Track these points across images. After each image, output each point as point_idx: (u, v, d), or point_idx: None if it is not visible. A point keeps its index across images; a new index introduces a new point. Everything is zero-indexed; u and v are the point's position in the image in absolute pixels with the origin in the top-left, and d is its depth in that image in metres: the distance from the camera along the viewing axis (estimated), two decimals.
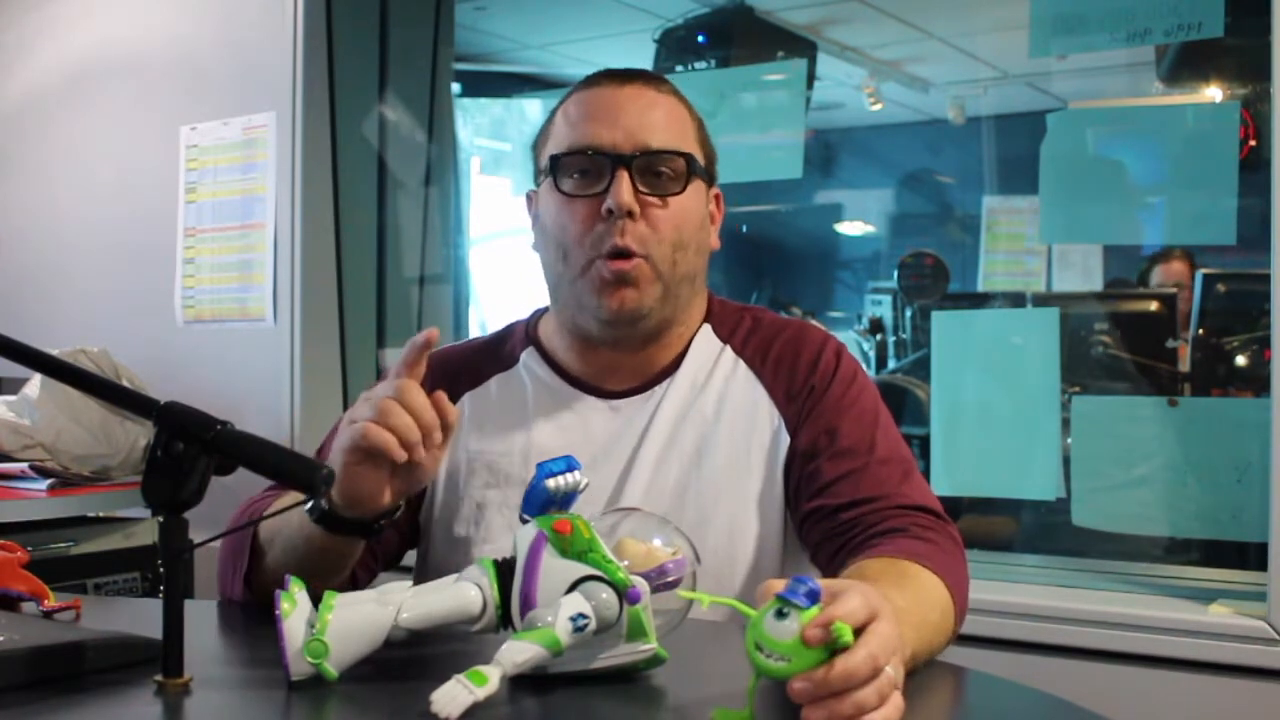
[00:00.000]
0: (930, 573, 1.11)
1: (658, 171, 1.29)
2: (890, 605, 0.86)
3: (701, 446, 1.32)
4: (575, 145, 1.30)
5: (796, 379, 1.33)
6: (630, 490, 1.30)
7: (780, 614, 0.81)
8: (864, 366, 1.41)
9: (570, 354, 1.38)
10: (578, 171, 1.30)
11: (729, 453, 1.31)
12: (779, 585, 0.82)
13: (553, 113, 1.37)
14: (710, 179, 1.38)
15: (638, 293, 1.28)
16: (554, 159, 1.31)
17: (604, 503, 1.29)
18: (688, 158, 1.30)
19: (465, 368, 1.41)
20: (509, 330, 1.46)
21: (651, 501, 1.27)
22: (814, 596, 0.81)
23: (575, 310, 1.33)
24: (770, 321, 1.40)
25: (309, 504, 1.13)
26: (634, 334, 1.32)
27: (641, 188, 1.27)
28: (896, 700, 0.82)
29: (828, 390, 1.32)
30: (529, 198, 1.39)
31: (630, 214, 1.26)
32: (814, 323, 1.50)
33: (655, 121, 1.30)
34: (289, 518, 1.17)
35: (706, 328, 1.39)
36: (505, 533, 1.30)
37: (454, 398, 1.38)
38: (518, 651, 0.86)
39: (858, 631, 0.80)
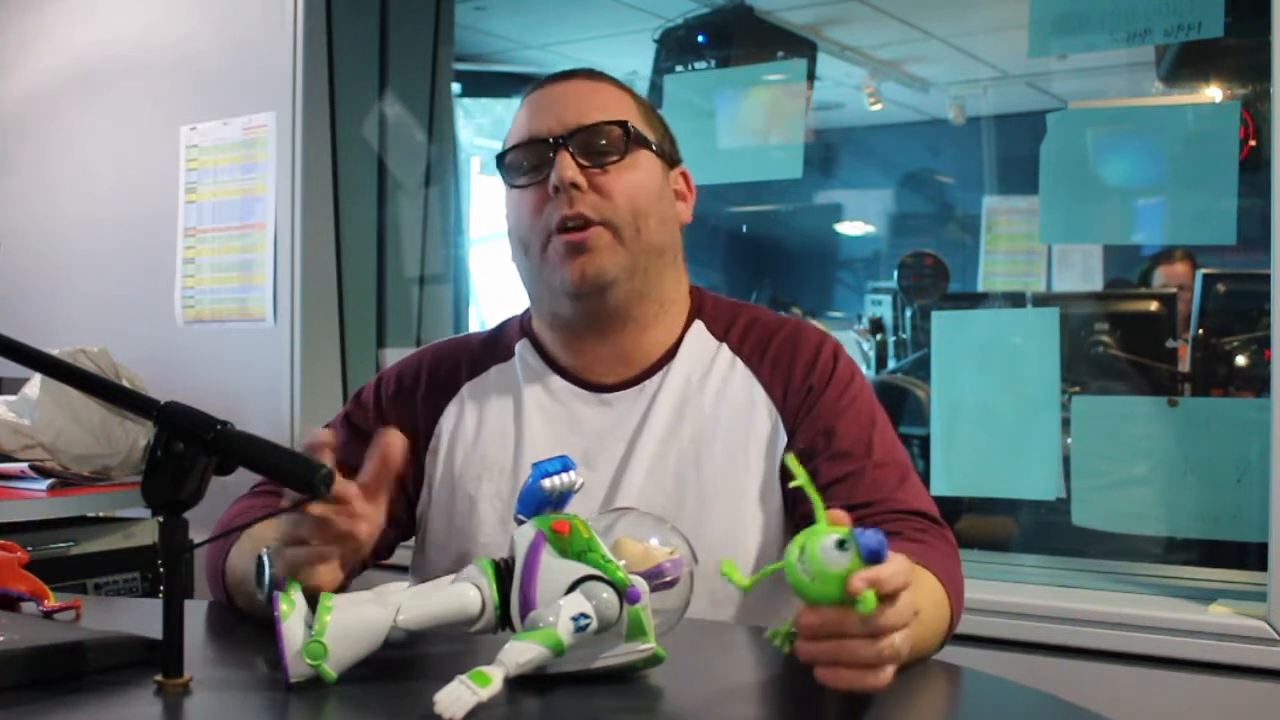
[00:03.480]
0: (928, 572, 1.11)
1: (597, 145, 1.31)
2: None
3: (699, 443, 1.32)
4: (517, 139, 1.34)
5: (794, 378, 1.33)
6: (628, 484, 1.29)
7: (841, 545, 0.85)
8: (862, 367, 1.41)
9: (558, 347, 1.39)
10: (523, 164, 1.33)
11: (727, 450, 1.31)
12: (844, 519, 0.87)
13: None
14: (670, 159, 1.39)
15: (598, 259, 1.29)
16: (500, 159, 1.35)
17: (601, 496, 1.29)
18: (623, 125, 1.32)
19: (466, 360, 1.42)
20: (506, 324, 1.47)
21: (649, 496, 1.27)
22: (875, 557, 0.84)
23: (548, 297, 1.35)
24: (766, 320, 1.40)
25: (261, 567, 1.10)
26: (604, 307, 1.32)
27: (582, 160, 1.30)
28: (888, 673, 0.87)
29: (825, 391, 1.32)
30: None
31: (577, 186, 1.28)
32: (813, 322, 1.50)
33: (591, 103, 1.34)
34: (248, 578, 1.15)
35: (699, 324, 1.39)
36: (497, 526, 1.31)
37: (454, 390, 1.40)
38: (520, 652, 0.86)
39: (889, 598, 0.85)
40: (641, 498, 1.27)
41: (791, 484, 0.90)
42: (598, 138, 1.31)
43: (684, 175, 1.42)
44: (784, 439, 1.31)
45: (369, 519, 1.06)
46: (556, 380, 1.37)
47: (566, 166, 1.28)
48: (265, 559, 1.06)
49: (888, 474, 1.27)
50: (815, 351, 1.35)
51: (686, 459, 1.31)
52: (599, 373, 1.36)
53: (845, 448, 1.28)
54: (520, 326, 1.44)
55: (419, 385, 1.41)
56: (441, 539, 1.36)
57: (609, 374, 1.36)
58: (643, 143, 1.34)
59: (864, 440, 1.29)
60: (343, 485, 1.01)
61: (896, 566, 0.86)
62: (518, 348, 1.41)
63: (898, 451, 1.31)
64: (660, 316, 1.37)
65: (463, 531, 1.33)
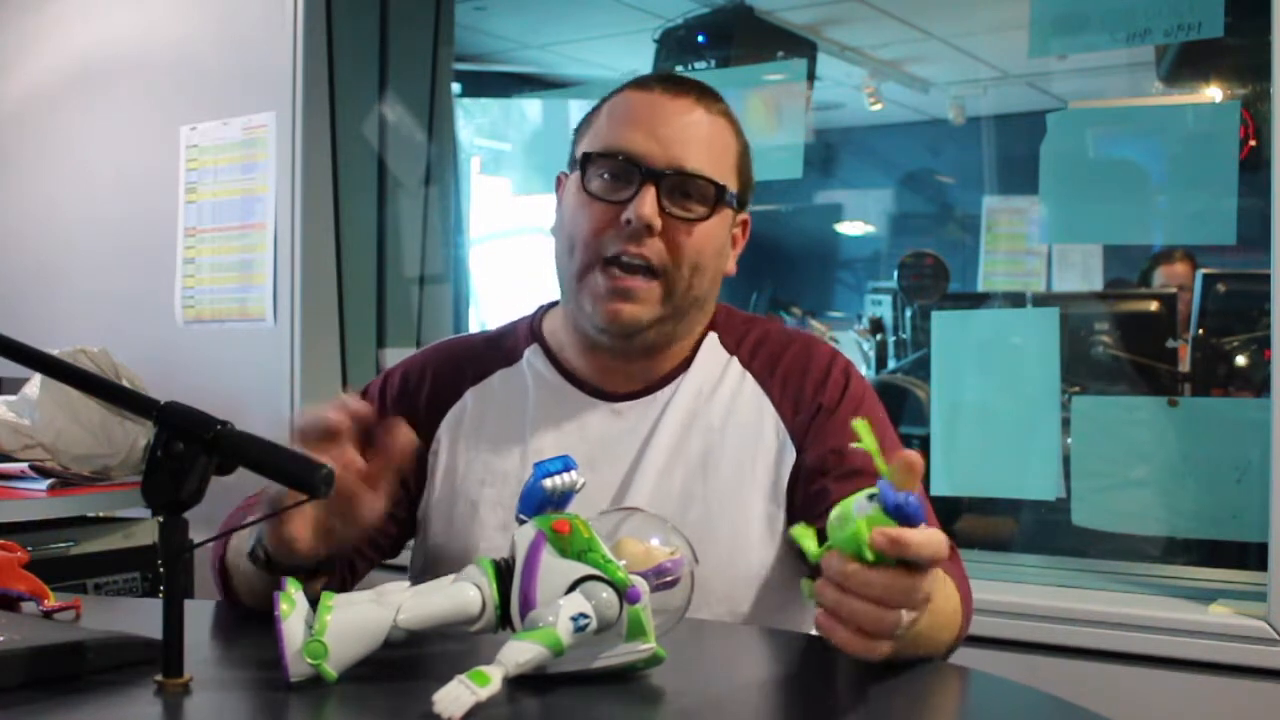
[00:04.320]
0: (948, 577, 1.13)
1: (687, 193, 1.27)
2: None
3: (707, 457, 1.31)
4: (609, 147, 1.28)
5: (804, 395, 1.33)
6: (635, 494, 1.29)
7: (872, 497, 0.89)
8: (861, 367, 1.42)
9: (574, 350, 1.37)
10: (607, 174, 1.27)
11: (735, 465, 1.31)
12: (916, 463, 0.88)
13: (601, 101, 1.35)
14: (740, 206, 1.35)
15: (636, 309, 1.26)
16: (586, 156, 1.29)
17: (606, 505, 1.28)
18: (719, 187, 1.28)
19: (470, 362, 1.40)
20: (513, 326, 1.45)
21: (656, 508, 1.25)
22: (900, 512, 0.87)
23: (575, 310, 1.32)
24: (778, 334, 1.39)
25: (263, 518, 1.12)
26: (630, 346, 1.31)
27: (666, 204, 1.25)
28: (883, 648, 0.88)
29: (837, 409, 1.31)
30: (559, 180, 1.37)
31: (650, 229, 1.24)
32: (817, 325, 1.51)
33: (696, 140, 1.27)
34: (243, 552, 1.16)
35: (713, 336, 1.38)
36: (499, 531, 1.29)
37: (458, 392, 1.38)
38: (519, 652, 0.86)
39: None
40: (648, 509, 1.26)
41: (854, 445, 0.92)
42: (690, 188, 1.26)
43: (744, 222, 1.38)
44: (792, 455, 1.31)
45: (366, 499, 1.07)
46: (568, 388, 1.36)
47: (648, 206, 1.23)
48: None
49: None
50: (826, 369, 1.34)
51: (693, 472, 1.30)
52: (612, 383, 1.35)
53: (857, 465, 1.26)
54: (530, 331, 1.42)
55: (423, 386, 1.39)
56: (441, 541, 1.35)
57: (622, 385, 1.35)
58: (728, 202, 1.30)
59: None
60: (349, 454, 1.03)
61: (925, 538, 0.86)
62: (526, 353, 1.39)
63: None
64: (685, 345, 1.37)
65: (463, 535, 1.32)
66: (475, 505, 1.32)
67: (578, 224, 1.28)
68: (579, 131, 1.35)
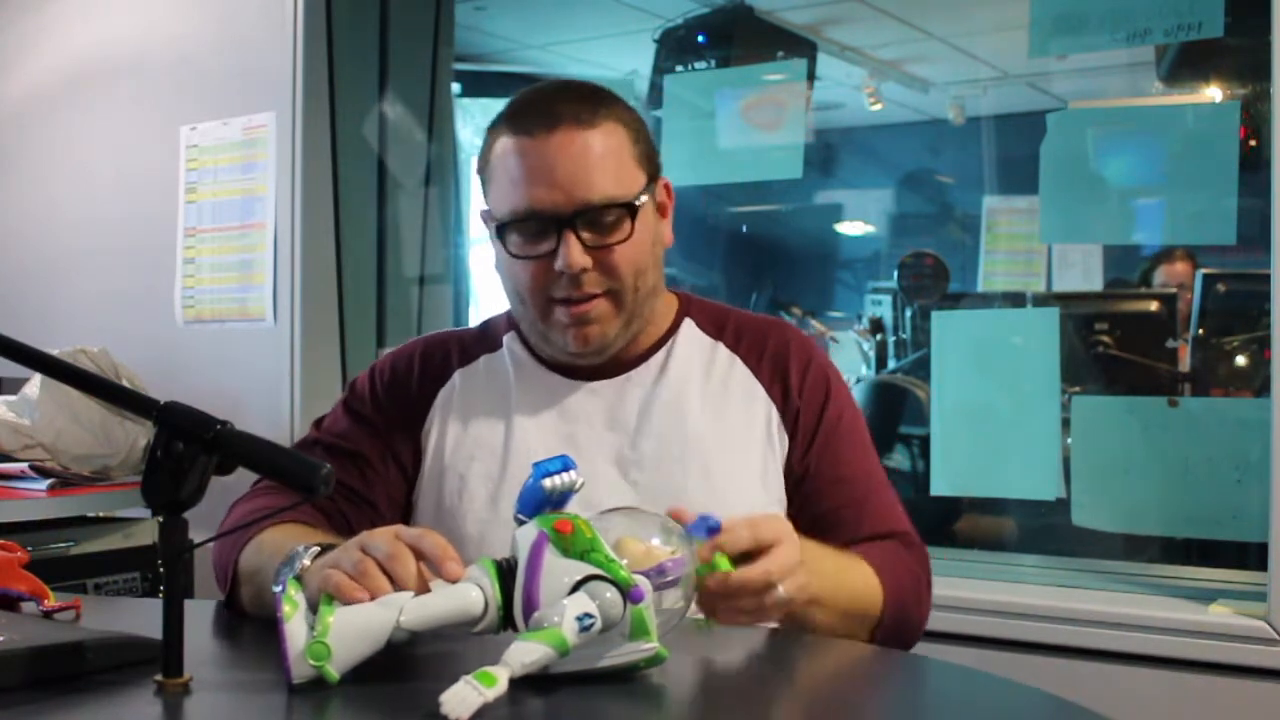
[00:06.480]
0: (864, 561, 1.25)
1: (602, 222, 1.29)
2: (802, 543, 1.07)
3: (705, 438, 1.36)
4: (517, 210, 1.30)
5: (790, 379, 1.39)
6: (632, 476, 1.34)
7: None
8: (862, 367, 1.49)
9: (543, 351, 1.42)
10: (523, 235, 1.31)
11: (731, 445, 1.36)
12: (689, 516, 1.00)
13: (490, 141, 1.35)
14: (655, 176, 1.36)
15: (601, 328, 1.32)
16: (499, 226, 1.33)
17: (605, 485, 1.32)
18: (628, 205, 1.30)
19: (459, 347, 1.47)
20: (492, 320, 1.51)
21: (655, 487, 1.31)
22: (713, 531, 0.99)
23: (542, 341, 1.38)
24: (754, 321, 1.46)
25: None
26: (602, 358, 1.37)
27: (589, 242, 1.29)
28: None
29: (824, 411, 1.38)
30: (484, 216, 1.39)
31: (583, 270, 1.28)
32: (817, 325, 1.56)
33: (591, 168, 1.28)
34: (267, 571, 1.14)
35: (689, 323, 1.44)
36: (487, 504, 1.35)
37: (447, 373, 1.44)
38: (526, 652, 0.86)
39: (756, 555, 1.02)
40: (645, 492, 1.31)
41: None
42: (603, 215, 1.29)
43: (666, 186, 1.40)
44: (784, 441, 1.37)
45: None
46: (542, 370, 1.42)
47: (575, 253, 1.27)
48: (300, 555, 1.04)
49: (888, 499, 1.38)
50: (807, 360, 1.41)
51: (693, 451, 1.35)
52: (585, 367, 1.40)
53: (849, 474, 1.36)
54: (507, 321, 1.47)
55: (413, 371, 1.45)
56: (430, 516, 1.39)
57: (594, 368, 1.40)
58: (641, 202, 1.32)
59: (865, 469, 1.39)
60: (442, 547, 0.97)
61: (737, 534, 1.01)
62: (505, 339, 1.45)
63: (883, 473, 1.42)
64: (649, 330, 1.41)
65: (452, 509, 1.37)
66: (464, 479, 1.37)
67: (518, 279, 1.34)
68: (482, 176, 1.37)
